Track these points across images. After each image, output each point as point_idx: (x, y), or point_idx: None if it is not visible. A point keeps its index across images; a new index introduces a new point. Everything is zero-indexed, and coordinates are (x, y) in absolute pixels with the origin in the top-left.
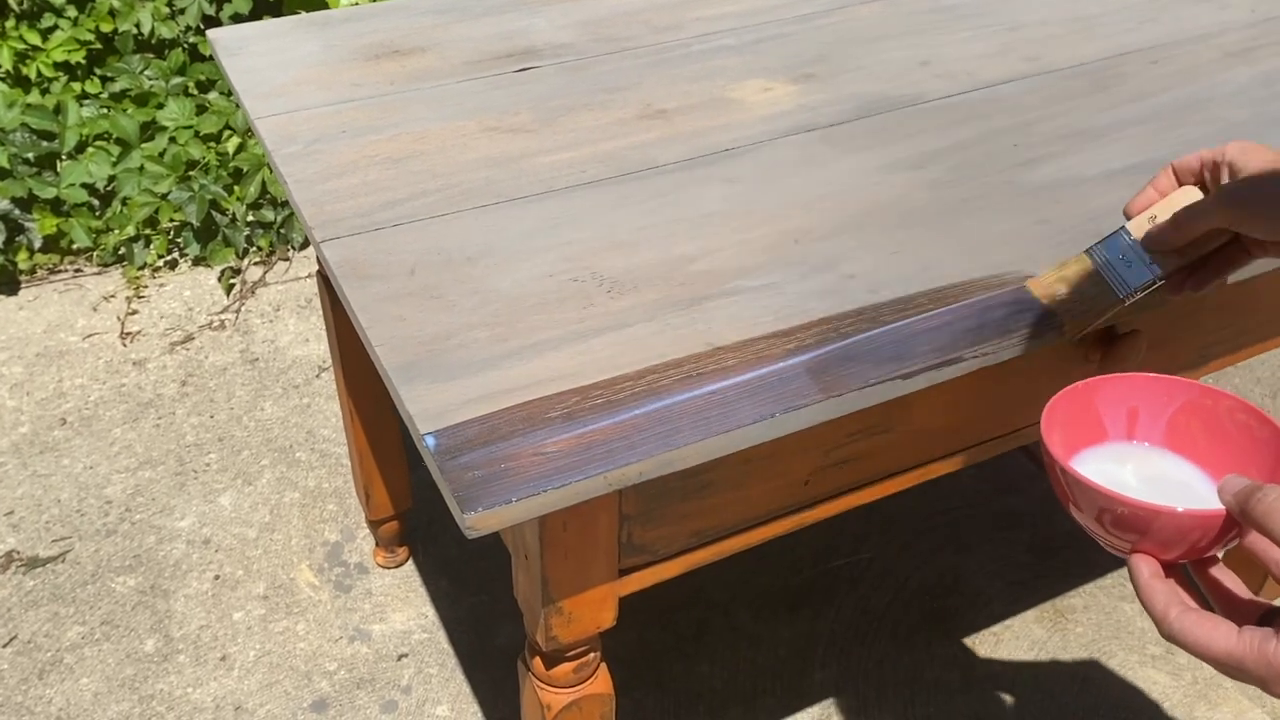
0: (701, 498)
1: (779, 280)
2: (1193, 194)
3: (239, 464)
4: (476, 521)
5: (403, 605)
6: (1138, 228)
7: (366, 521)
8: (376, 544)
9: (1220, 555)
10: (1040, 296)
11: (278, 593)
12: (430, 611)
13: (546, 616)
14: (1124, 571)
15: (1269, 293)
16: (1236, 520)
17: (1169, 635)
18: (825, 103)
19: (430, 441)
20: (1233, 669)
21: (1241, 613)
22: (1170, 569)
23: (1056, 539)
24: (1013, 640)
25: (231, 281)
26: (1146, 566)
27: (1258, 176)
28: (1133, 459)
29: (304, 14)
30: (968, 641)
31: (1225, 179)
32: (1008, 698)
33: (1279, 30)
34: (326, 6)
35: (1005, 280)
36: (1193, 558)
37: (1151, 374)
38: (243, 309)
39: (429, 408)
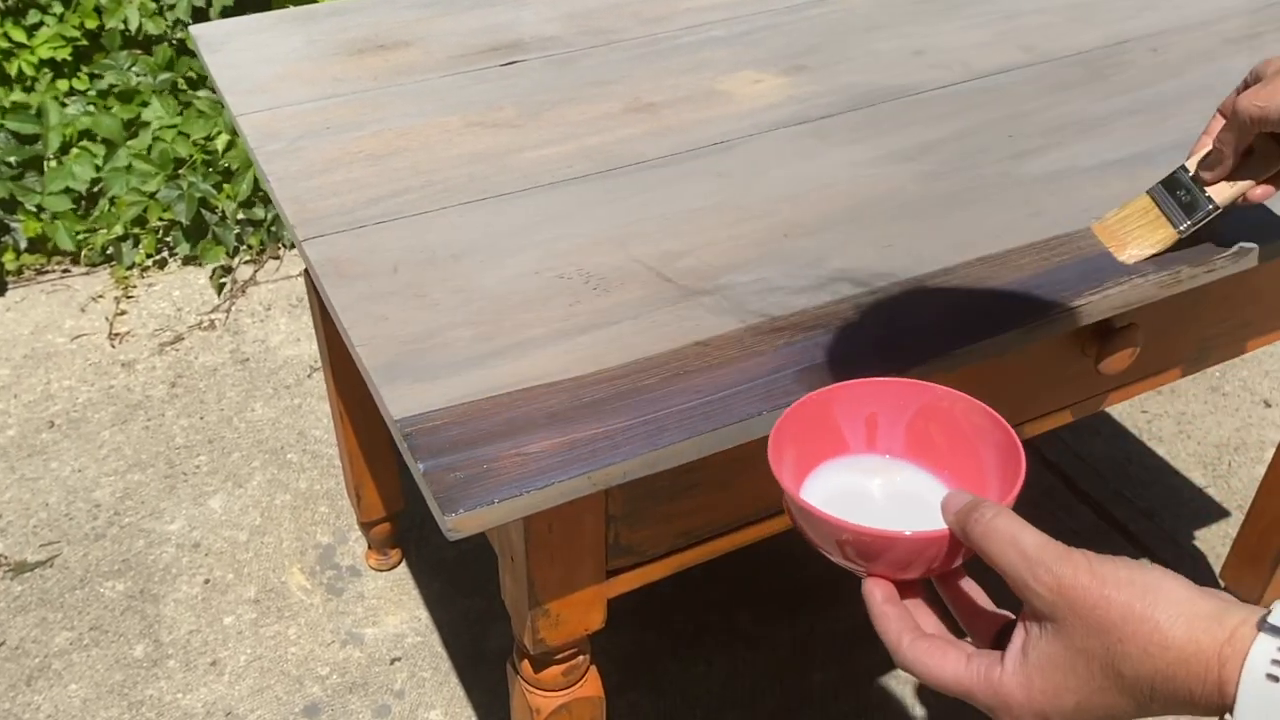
0: (689, 497)
1: (769, 275)
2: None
3: (229, 466)
4: (458, 523)
5: (395, 608)
6: (1193, 162)
7: (358, 523)
8: (369, 546)
9: (963, 569)
10: (1102, 237)
11: (269, 596)
12: (423, 614)
13: (534, 619)
14: None
15: (1270, 284)
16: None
17: (901, 664)
18: (816, 94)
19: (411, 442)
20: (962, 696)
21: (983, 624)
22: (912, 586)
23: (1061, 536)
24: None
25: (222, 281)
26: (880, 591)
27: (1272, 75)
28: (877, 471)
29: (288, 9)
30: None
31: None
32: None
33: (1278, 16)
34: (312, 1)
35: (990, 267)
36: (932, 575)
37: (885, 378)
38: (233, 308)
39: (410, 408)
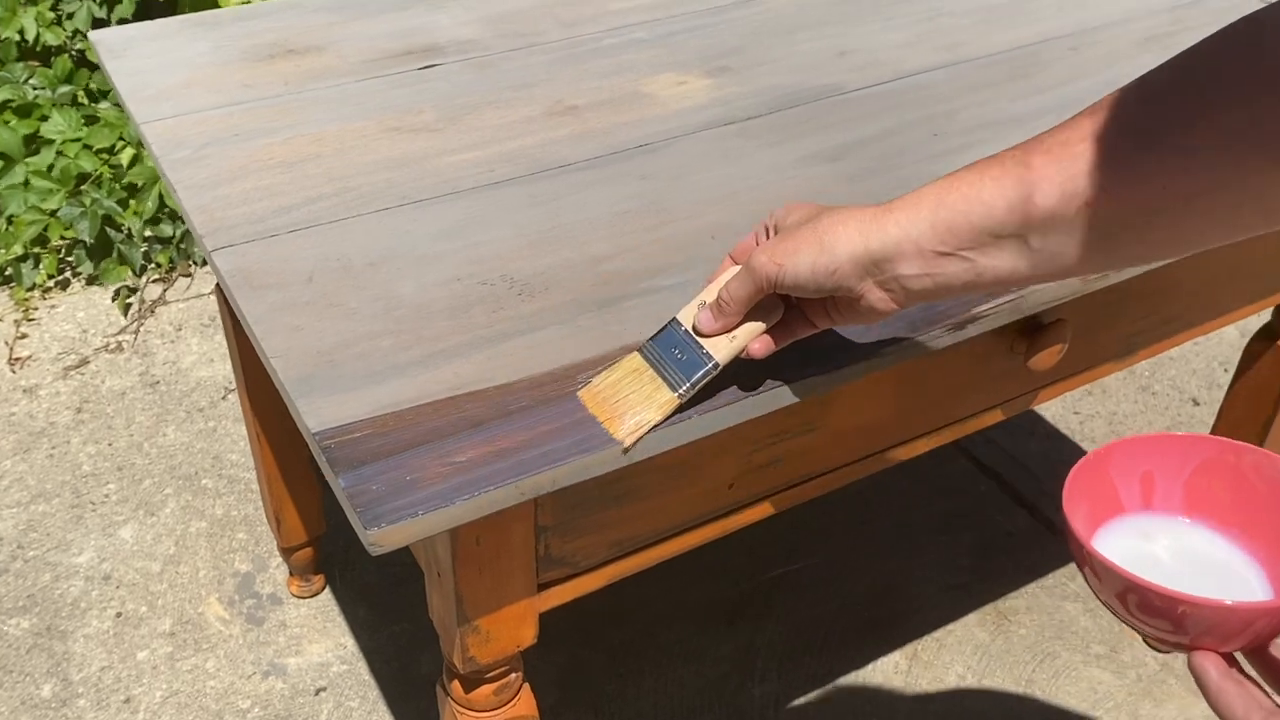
0: (621, 506)
1: (695, 278)
2: (735, 270)
3: (140, 494)
4: (380, 538)
5: (320, 636)
6: (687, 316)
7: (279, 549)
8: (290, 573)
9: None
10: (590, 407)
11: (185, 629)
12: (349, 641)
13: (463, 636)
14: (1065, 571)
15: (1192, 279)
16: None
17: None
18: (741, 96)
19: (330, 454)
20: None
21: None
22: (1232, 661)
23: (997, 540)
24: (955, 645)
25: (128, 301)
26: (1214, 667)
27: (791, 227)
28: (1158, 533)
29: (192, 14)
30: (910, 648)
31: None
32: (952, 704)
33: (1197, 15)
34: (218, 6)
35: None
36: (1253, 646)
37: (1164, 433)
38: (141, 329)
39: (329, 420)
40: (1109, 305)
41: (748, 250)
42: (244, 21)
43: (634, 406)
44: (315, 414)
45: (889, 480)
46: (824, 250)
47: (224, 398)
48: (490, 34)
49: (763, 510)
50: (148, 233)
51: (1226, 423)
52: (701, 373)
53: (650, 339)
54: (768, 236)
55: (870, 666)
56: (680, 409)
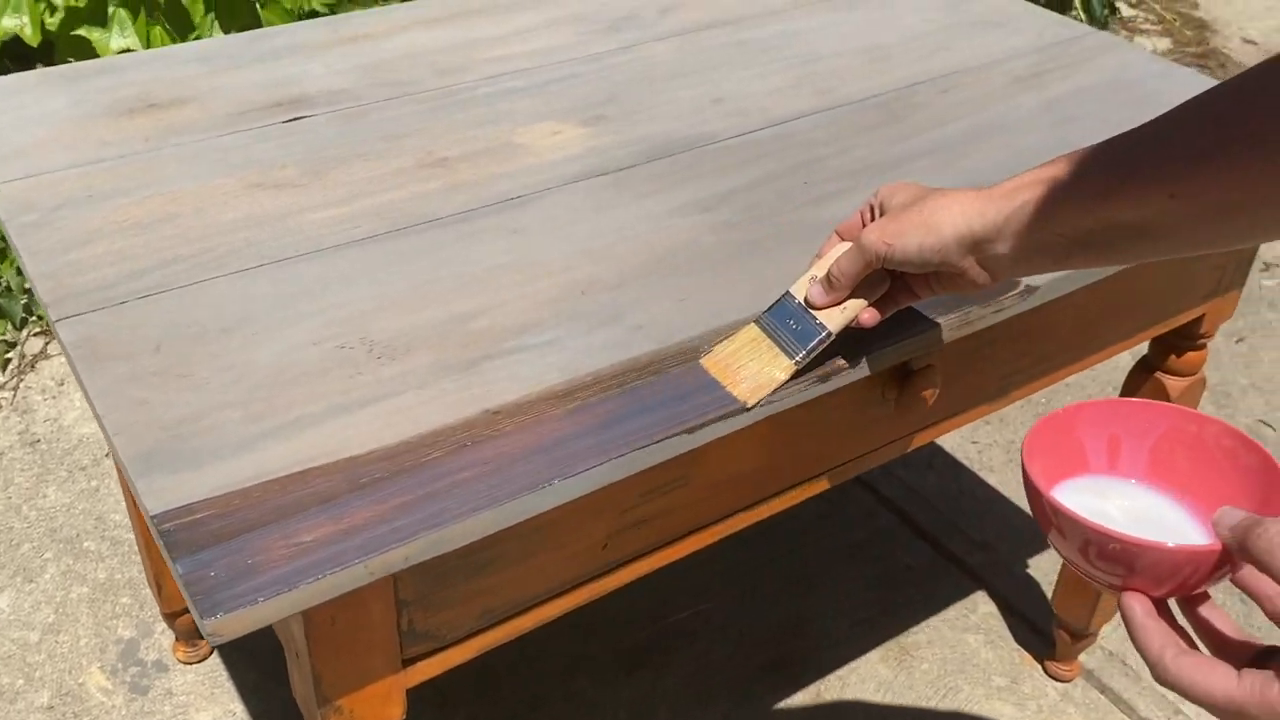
0: (487, 574)
1: (563, 335)
2: (844, 247)
3: (19, 560)
4: (218, 627)
5: (208, 703)
6: (800, 290)
7: (162, 614)
8: (176, 638)
9: (1209, 592)
10: (713, 373)
11: (65, 701)
12: (239, 708)
13: (324, 717)
14: (966, 603)
15: (1065, 319)
16: (1231, 555)
17: (1163, 679)
18: (616, 145)
19: (169, 539)
20: (1233, 714)
21: (1232, 653)
22: (1160, 607)
23: (899, 573)
24: (858, 683)
25: (7, 356)
26: (1139, 605)
27: (897, 208)
28: (1115, 493)
29: (52, 68)
30: (813, 688)
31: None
32: None
33: (1064, 54)
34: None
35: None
36: (1183, 594)
37: (1136, 399)
38: (21, 385)
39: (170, 500)
40: (980, 349)
41: (853, 228)
42: (107, 74)
43: (754, 372)
44: (155, 494)
45: (790, 516)
46: (930, 231)
47: (107, 455)
48: (363, 83)
49: (639, 568)
50: (27, 285)
51: None
52: (816, 340)
53: (766, 311)
54: (873, 215)
55: (773, 709)
56: (796, 375)
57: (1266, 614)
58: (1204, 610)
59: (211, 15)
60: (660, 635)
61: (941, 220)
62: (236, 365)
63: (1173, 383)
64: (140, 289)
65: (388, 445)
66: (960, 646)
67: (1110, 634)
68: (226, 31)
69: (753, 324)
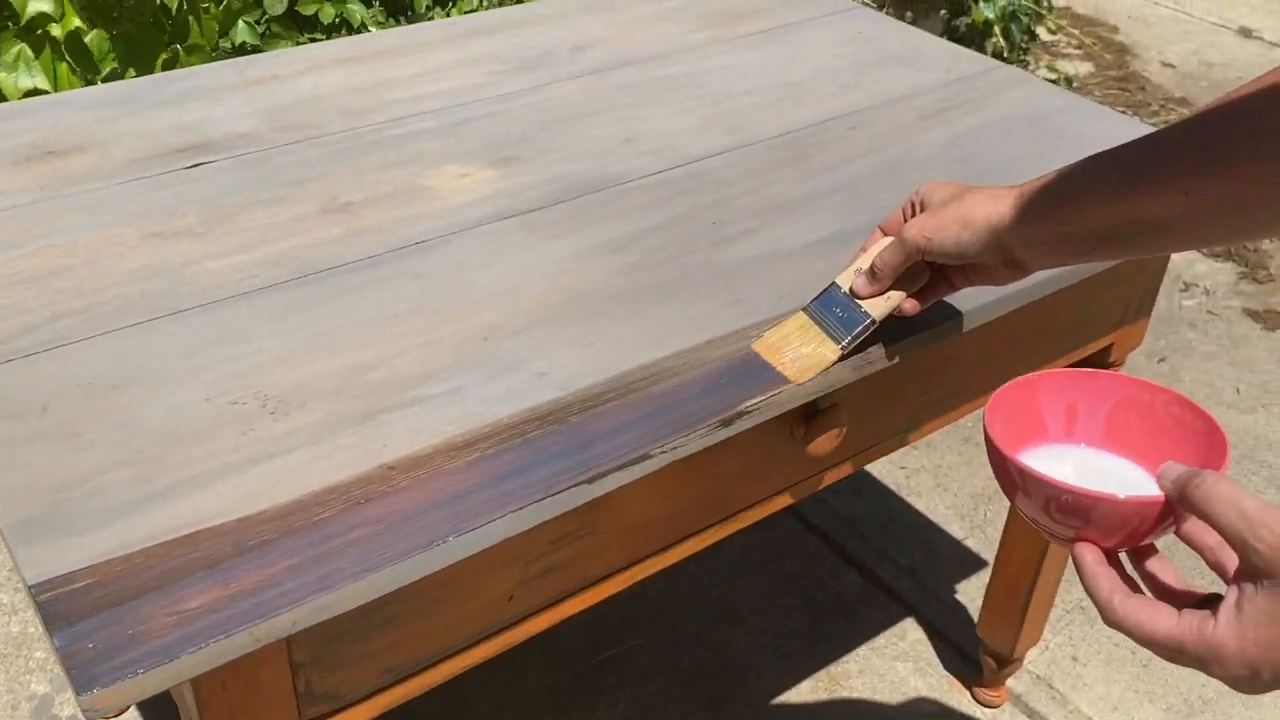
0: (387, 632)
1: (464, 384)
2: (886, 241)
3: None
4: (95, 702)
5: None
6: (845, 280)
7: None
8: None
9: (1157, 546)
10: (765, 355)
11: None
12: None
13: None
14: (895, 630)
15: (969, 354)
16: (1175, 507)
17: (1112, 620)
18: (525, 187)
19: (46, 610)
20: (1173, 651)
21: (1176, 600)
22: (1110, 558)
23: (827, 602)
24: (788, 715)
25: None
26: (1090, 554)
27: (936, 205)
28: (1071, 458)
29: None
30: None
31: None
32: None
33: (970, 90)
34: (4, 99)
35: (687, 365)
36: (1132, 544)
37: (1092, 369)
38: None
39: (50, 569)
40: (886, 387)
41: (895, 223)
42: (5, 121)
43: (804, 354)
44: (34, 563)
45: (717, 546)
46: (967, 226)
47: None
48: (268, 127)
49: (548, 619)
50: None
51: None
52: (861, 327)
53: (813, 299)
54: (914, 211)
55: None
56: (843, 358)
57: (1208, 564)
58: (1151, 564)
59: (113, 54)
60: (590, 674)
61: (977, 216)
62: (126, 424)
63: None
64: (29, 345)
65: (279, 505)
66: (890, 675)
67: (1036, 658)
68: (137, 70)
69: (800, 311)
